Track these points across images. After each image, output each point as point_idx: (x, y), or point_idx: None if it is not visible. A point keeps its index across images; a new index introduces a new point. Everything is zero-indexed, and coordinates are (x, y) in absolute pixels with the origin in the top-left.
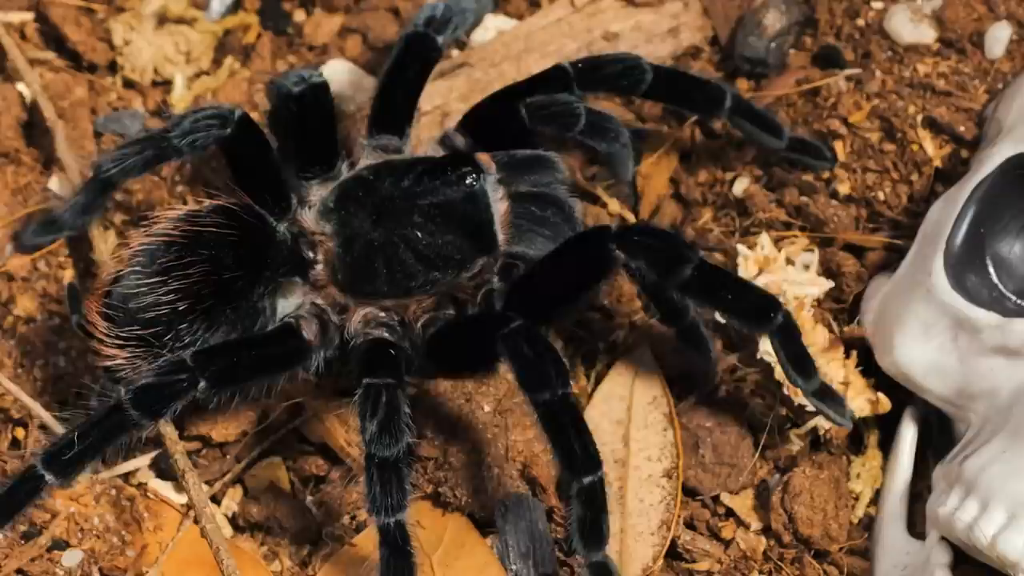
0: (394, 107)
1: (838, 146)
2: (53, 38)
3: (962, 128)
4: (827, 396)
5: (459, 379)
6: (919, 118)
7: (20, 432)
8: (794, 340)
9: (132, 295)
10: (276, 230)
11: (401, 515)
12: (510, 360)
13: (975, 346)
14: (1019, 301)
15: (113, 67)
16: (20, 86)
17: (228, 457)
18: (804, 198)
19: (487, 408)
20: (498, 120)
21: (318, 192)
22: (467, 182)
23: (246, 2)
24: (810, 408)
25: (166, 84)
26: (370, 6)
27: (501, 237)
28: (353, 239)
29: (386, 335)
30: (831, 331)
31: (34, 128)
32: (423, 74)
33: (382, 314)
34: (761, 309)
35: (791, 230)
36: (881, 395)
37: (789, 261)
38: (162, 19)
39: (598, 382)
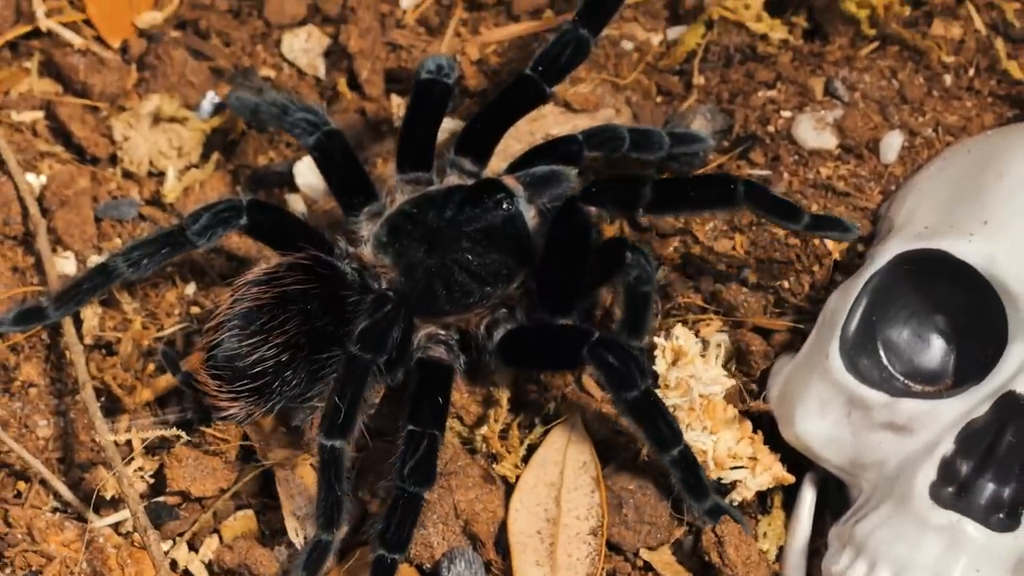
0: (418, 145)
1: (742, 240)
2: (61, 134)
3: (859, 226)
4: (824, 224)
5: (538, 372)
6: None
7: (22, 485)
8: (767, 196)
9: (236, 355)
10: (345, 272)
11: (401, 555)
12: (598, 370)
13: (866, 422)
14: (906, 382)
15: (113, 160)
16: (30, 176)
17: (206, 510)
18: (718, 285)
19: None
20: (554, 146)
21: (368, 227)
22: (504, 207)
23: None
24: (725, 480)
25: (160, 175)
26: (340, 108)
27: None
28: (412, 268)
29: (443, 354)
30: (741, 403)
31: (46, 215)
32: (440, 112)
33: (442, 332)
34: (723, 189)
35: (706, 314)
36: (786, 473)
37: (702, 355)
38: (157, 118)
39: (532, 449)
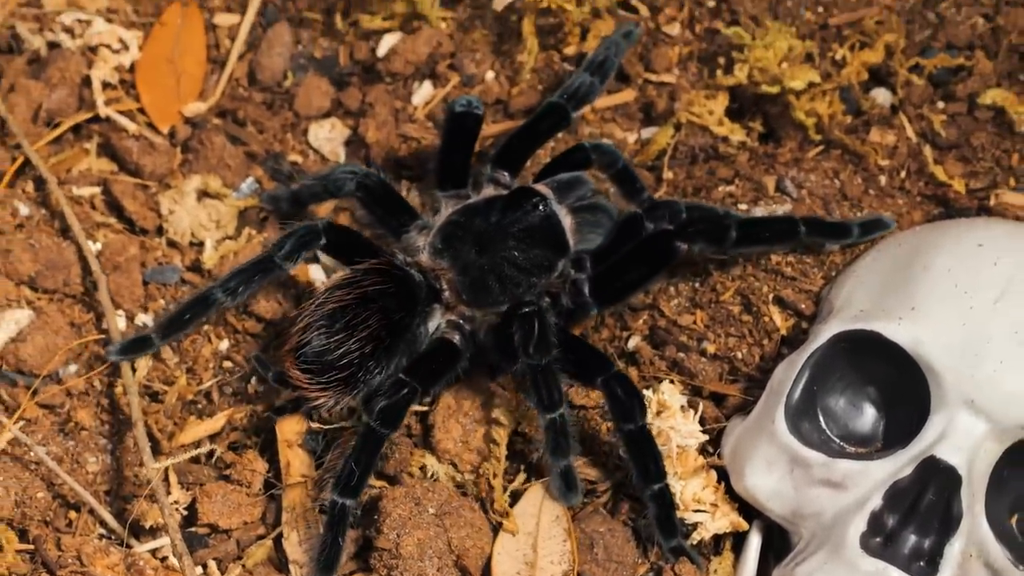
0: (457, 167)
1: (702, 315)
2: (115, 207)
3: (803, 306)
4: (870, 228)
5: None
6: (771, 296)
7: (73, 514)
8: (822, 224)
9: (325, 350)
10: (413, 274)
11: (562, 410)
12: (607, 398)
13: (807, 478)
14: (842, 444)
15: (160, 231)
16: (89, 242)
17: (232, 539)
18: (680, 354)
19: (431, 510)
20: (567, 157)
21: (421, 239)
22: (540, 209)
23: (264, 184)
24: (688, 521)
25: (200, 245)
26: None
27: (572, 242)
28: (467, 267)
29: None
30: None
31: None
32: (474, 138)
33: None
34: (789, 227)
35: (669, 379)
36: (741, 520)
37: (683, 410)
38: (199, 195)
39: (515, 494)
